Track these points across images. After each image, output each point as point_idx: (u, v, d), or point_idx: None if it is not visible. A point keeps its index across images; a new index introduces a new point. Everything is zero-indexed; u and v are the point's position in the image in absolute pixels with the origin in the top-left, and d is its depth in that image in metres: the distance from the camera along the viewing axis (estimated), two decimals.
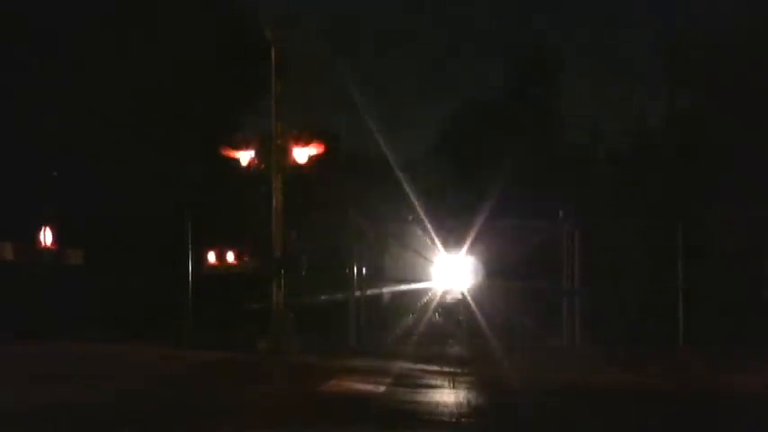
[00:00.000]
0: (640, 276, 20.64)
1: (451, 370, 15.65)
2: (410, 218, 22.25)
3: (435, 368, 15.97)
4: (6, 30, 22.83)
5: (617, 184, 27.83)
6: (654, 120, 29.96)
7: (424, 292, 22.96)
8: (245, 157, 18.57)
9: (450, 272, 22.67)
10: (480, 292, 21.57)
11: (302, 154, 18.25)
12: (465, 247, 21.50)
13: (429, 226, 21.60)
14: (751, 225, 22.53)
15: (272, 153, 18.25)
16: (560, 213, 21.34)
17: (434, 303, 22.90)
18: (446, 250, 22.34)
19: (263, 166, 18.60)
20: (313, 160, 18.42)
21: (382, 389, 12.89)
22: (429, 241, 22.07)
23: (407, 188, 23.28)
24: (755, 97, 25.22)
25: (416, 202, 22.39)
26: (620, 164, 29.92)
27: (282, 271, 17.91)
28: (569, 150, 31.46)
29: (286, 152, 18.31)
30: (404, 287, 23.01)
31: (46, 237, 22.73)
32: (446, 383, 13.87)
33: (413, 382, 14.02)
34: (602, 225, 20.89)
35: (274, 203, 18.18)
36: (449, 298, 24.10)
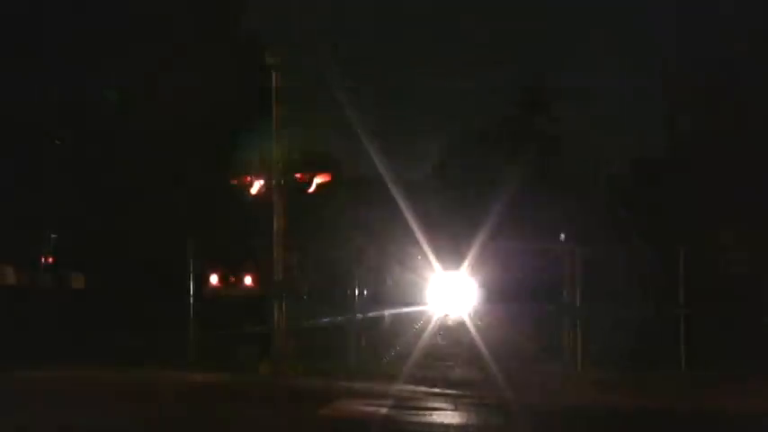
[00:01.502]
0: (641, 300, 20.61)
1: (453, 392, 15.65)
2: (411, 240, 22.29)
3: (437, 390, 15.97)
4: (8, 59, 22.94)
5: (618, 208, 27.86)
6: (655, 144, 30.04)
7: (424, 314, 22.96)
8: (255, 186, 18.70)
9: (450, 294, 22.69)
10: (481, 315, 21.58)
11: (309, 183, 18.40)
12: (466, 270, 21.53)
13: (429, 248, 21.63)
14: (752, 250, 22.53)
15: (274, 177, 18.34)
16: (561, 236, 21.38)
17: (435, 325, 22.89)
18: (447, 272, 22.36)
19: (268, 191, 18.69)
20: (318, 187, 18.56)
21: (384, 411, 12.91)
22: (429, 264, 22.10)
23: (408, 211, 23.32)
24: (755, 121, 25.30)
25: (417, 225, 22.42)
26: (620, 188, 29.98)
27: (284, 294, 17.95)
28: (570, 175, 31.51)
29: (288, 176, 18.41)
30: (405, 309, 23.02)
31: (48, 261, 22.78)
32: (448, 406, 13.88)
33: (415, 404, 14.03)
34: (604, 249, 20.88)
35: (276, 227, 18.25)
36: (450, 320, 24.11)
